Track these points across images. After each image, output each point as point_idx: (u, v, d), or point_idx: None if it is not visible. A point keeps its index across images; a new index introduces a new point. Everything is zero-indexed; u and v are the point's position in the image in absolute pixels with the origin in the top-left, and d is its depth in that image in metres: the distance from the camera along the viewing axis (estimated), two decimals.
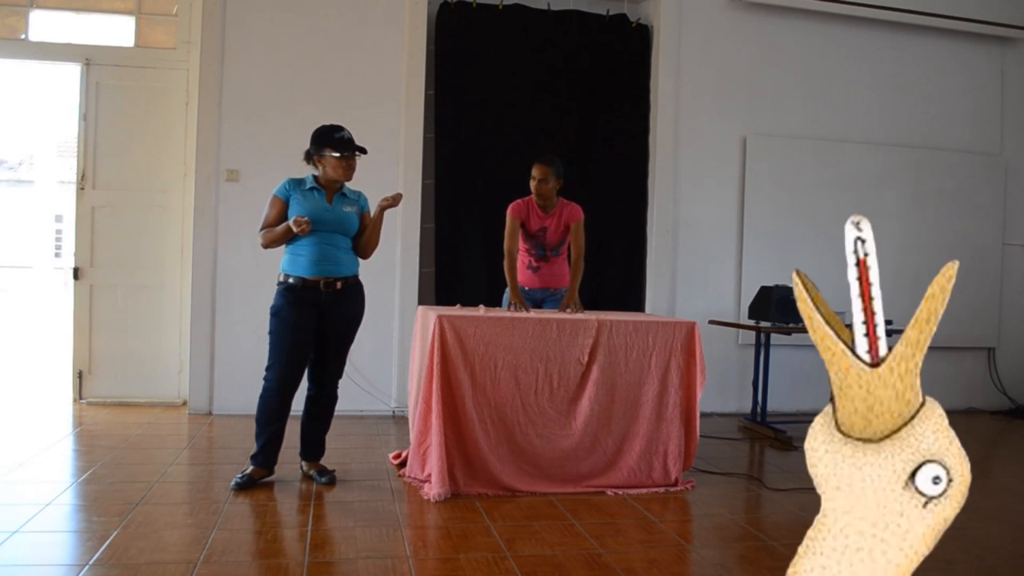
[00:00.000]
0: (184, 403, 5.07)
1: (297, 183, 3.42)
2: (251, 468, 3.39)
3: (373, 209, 3.53)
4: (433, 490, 3.25)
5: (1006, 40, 6.12)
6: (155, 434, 4.34)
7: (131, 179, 5.12)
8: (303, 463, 3.60)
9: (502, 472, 3.38)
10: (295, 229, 3.21)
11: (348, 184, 3.49)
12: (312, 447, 3.58)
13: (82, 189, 5.08)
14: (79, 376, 5.11)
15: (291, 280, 3.36)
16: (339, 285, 3.40)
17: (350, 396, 5.04)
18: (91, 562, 2.46)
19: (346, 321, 3.47)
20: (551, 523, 3.02)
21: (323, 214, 3.35)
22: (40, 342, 9.37)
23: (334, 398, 3.59)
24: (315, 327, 3.40)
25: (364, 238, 3.51)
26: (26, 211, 25.01)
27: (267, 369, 3.39)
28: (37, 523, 2.82)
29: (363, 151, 3.41)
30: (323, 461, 3.59)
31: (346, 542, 2.75)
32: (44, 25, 5.10)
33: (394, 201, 3.44)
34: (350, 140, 3.39)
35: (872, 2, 5.66)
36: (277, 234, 3.33)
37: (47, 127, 28.22)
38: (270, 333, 3.38)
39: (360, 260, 3.57)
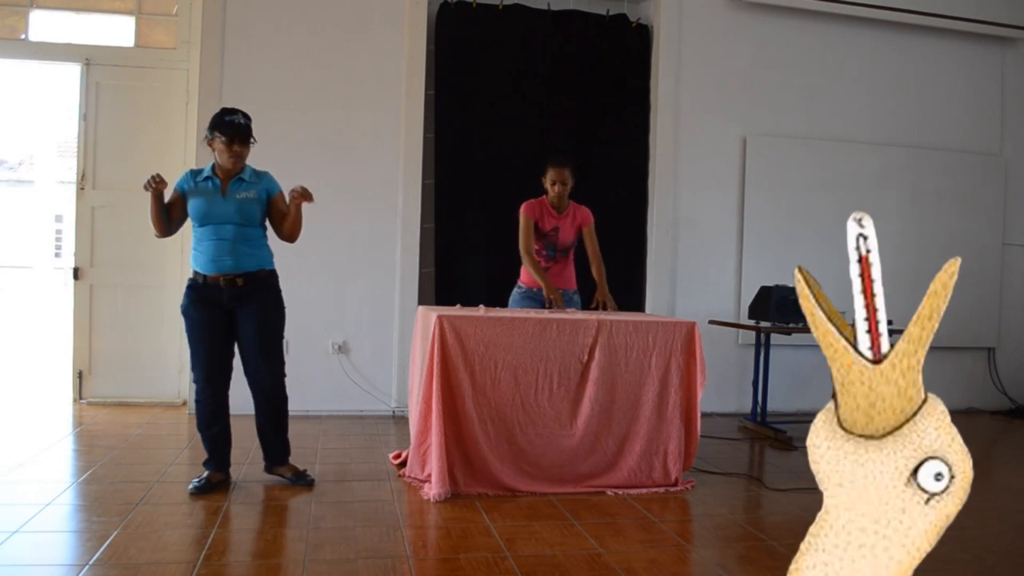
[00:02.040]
0: (184, 403, 5.07)
1: (195, 173, 3.30)
2: (206, 472, 3.31)
3: (286, 191, 3.32)
4: (433, 490, 3.25)
5: (1006, 40, 6.12)
6: (155, 434, 4.34)
7: (131, 179, 5.09)
8: (276, 469, 3.44)
9: (502, 472, 3.38)
10: (148, 187, 3.09)
11: (252, 166, 3.32)
12: (271, 451, 3.44)
13: (82, 189, 5.08)
14: (79, 376, 5.11)
15: (195, 277, 3.28)
16: (240, 282, 3.24)
17: (350, 396, 5.06)
18: (91, 562, 2.46)
19: (257, 319, 3.29)
20: (551, 523, 3.02)
21: (215, 206, 3.21)
22: (40, 342, 9.37)
23: (277, 397, 3.39)
24: (226, 325, 3.29)
25: (284, 227, 3.33)
26: (26, 211, 25.01)
27: (192, 370, 3.32)
28: (37, 523, 2.82)
29: (251, 138, 3.25)
30: (323, 463, 3.53)
31: (346, 542, 2.75)
32: (44, 25, 5.10)
33: (304, 195, 3.22)
34: (240, 125, 3.20)
35: (872, 2, 5.66)
36: (150, 210, 3.19)
37: (47, 127, 28.25)
38: (186, 333, 3.32)
39: (287, 246, 3.44)
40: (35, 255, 24.78)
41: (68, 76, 5.21)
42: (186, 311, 3.29)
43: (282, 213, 3.33)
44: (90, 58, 5.06)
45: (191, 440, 4.24)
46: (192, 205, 3.24)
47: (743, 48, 5.65)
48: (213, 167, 3.28)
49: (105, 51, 5.11)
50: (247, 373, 3.36)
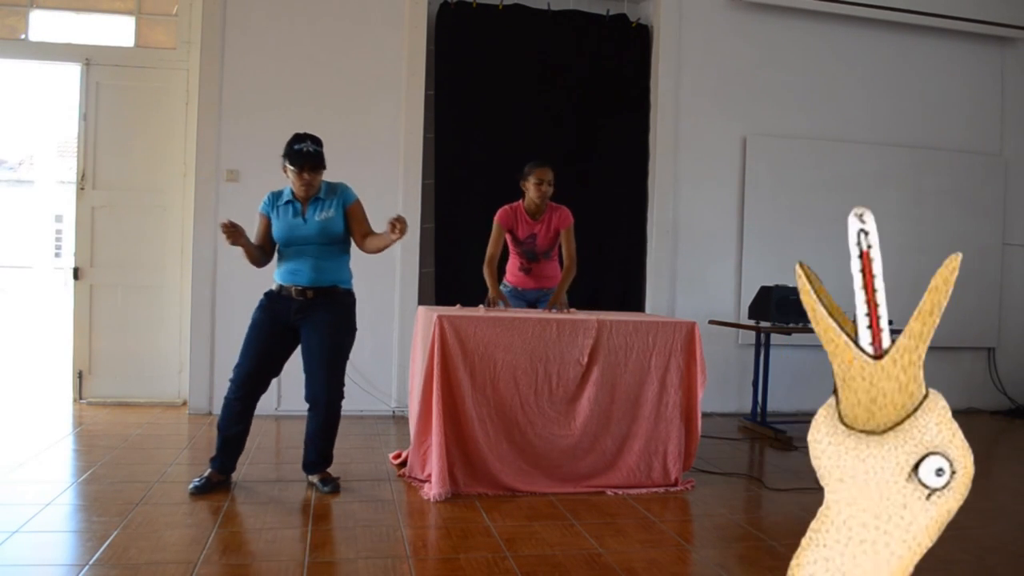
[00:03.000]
0: (184, 403, 5.07)
1: (275, 196, 3.37)
2: (208, 471, 3.30)
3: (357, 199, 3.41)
4: (433, 490, 3.25)
5: (1006, 40, 6.12)
6: (155, 434, 4.34)
7: (131, 179, 5.12)
8: (309, 474, 3.46)
9: (502, 472, 3.38)
10: (229, 241, 3.17)
11: (326, 179, 3.36)
12: (312, 464, 3.43)
13: (82, 189, 5.08)
14: (79, 376, 5.11)
15: (272, 287, 3.37)
16: (310, 294, 3.29)
17: (350, 396, 5.00)
18: (91, 562, 2.46)
19: (323, 330, 3.29)
20: (551, 523, 3.02)
21: (296, 230, 3.29)
22: (40, 342, 9.37)
23: (331, 414, 3.37)
24: (284, 341, 3.34)
25: (370, 246, 3.36)
26: (26, 211, 25.01)
27: (233, 369, 3.34)
28: (37, 523, 2.82)
29: (321, 166, 3.26)
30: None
31: (346, 542, 2.75)
32: (44, 25, 5.10)
33: (402, 232, 3.18)
34: (309, 153, 3.21)
35: (872, 2, 5.66)
36: (245, 255, 3.33)
37: (47, 127, 28.25)
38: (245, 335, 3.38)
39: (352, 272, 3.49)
40: (35, 255, 24.78)
41: (68, 76, 5.21)
42: (254, 314, 3.35)
43: (362, 227, 3.37)
44: (90, 58, 5.06)
45: (191, 440, 4.24)
46: (276, 229, 3.32)
47: (743, 48, 5.65)
48: (292, 190, 3.33)
49: (105, 51, 5.11)
50: (308, 386, 3.34)
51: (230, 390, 3.32)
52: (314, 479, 3.42)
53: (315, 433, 3.39)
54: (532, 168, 4.06)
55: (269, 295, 3.36)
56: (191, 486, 3.23)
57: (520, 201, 4.12)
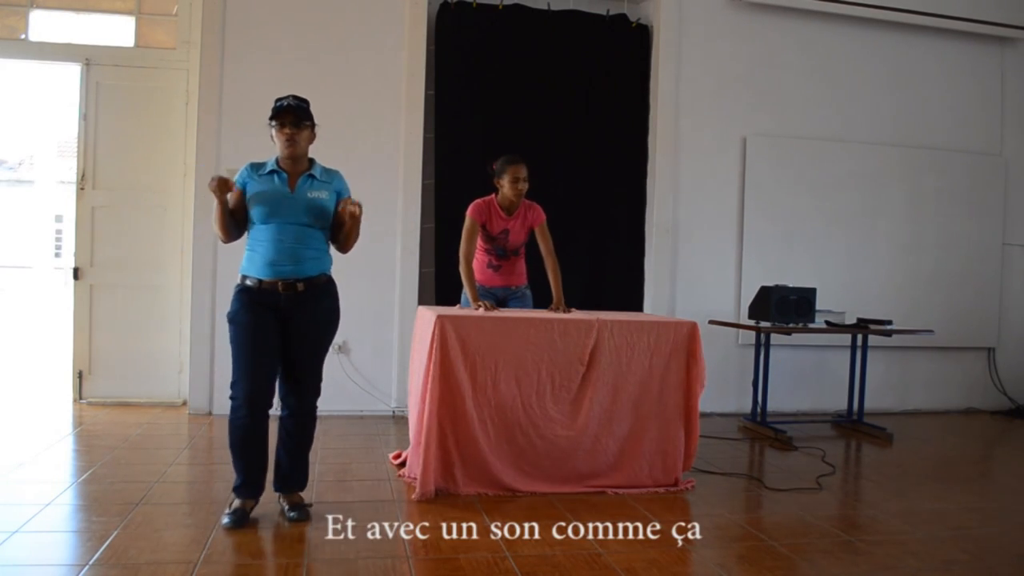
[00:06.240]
0: (184, 403, 5.07)
1: (256, 167, 2.99)
2: (238, 501, 2.93)
3: (352, 196, 3.04)
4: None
5: (1006, 40, 6.12)
6: (155, 434, 4.34)
7: (131, 179, 5.12)
8: (278, 495, 3.08)
9: (502, 472, 3.38)
10: (209, 187, 2.81)
11: (320, 162, 3.05)
12: (287, 478, 3.06)
13: (82, 189, 5.09)
14: (79, 376, 5.11)
15: (248, 282, 2.94)
16: (300, 287, 2.92)
17: (350, 396, 5.06)
18: (91, 562, 2.46)
19: (314, 326, 2.99)
20: (551, 523, 3.02)
21: (282, 200, 2.90)
22: (40, 342, 9.37)
23: (311, 419, 3.07)
24: (279, 333, 2.94)
25: (343, 235, 3.02)
26: (26, 211, 25.01)
27: (232, 386, 2.92)
28: (37, 523, 2.82)
29: (303, 120, 2.92)
30: (323, 463, 3.45)
31: (346, 542, 2.75)
32: (44, 25, 5.11)
33: (354, 207, 2.93)
34: (290, 106, 2.90)
35: (872, 2, 5.66)
36: (215, 214, 2.90)
37: (47, 127, 28.26)
38: (231, 343, 2.94)
39: (341, 255, 3.14)
40: (35, 255, 24.79)
41: (68, 76, 5.21)
42: (235, 316, 2.93)
43: (341, 221, 3.01)
44: (90, 58, 5.06)
45: (191, 440, 4.23)
46: (255, 201, 2.92)
47: (743, 48, 5.65)
48: (277, 160, 2.98)
49: (105, 51, 5.11)
50: (286, 386, 3.02)
51: (239, 408, 2.89)
52: (283, 503, 3.04)
53: (291, 444, 3.04)
54: (506, 165, 3.94)
55: (247, 291, 2.94)
56: (225, 520, 2.87)
57: (494, 196, 4.02)
